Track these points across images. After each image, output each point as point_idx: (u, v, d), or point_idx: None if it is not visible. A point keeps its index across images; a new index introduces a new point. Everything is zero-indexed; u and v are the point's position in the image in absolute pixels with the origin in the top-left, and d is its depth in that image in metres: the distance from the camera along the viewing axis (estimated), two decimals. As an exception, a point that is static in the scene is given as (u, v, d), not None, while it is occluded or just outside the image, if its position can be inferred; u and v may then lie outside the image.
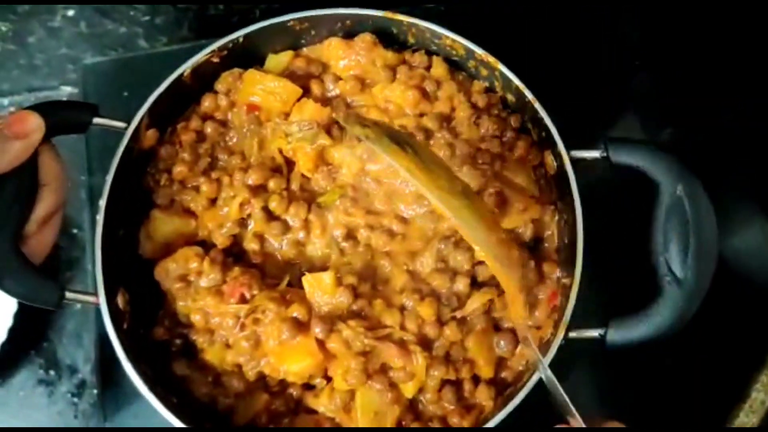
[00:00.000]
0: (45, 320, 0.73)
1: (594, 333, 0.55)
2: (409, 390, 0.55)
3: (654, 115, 0.77)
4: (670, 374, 0.69)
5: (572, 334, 0.55)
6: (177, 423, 0.52)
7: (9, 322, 0.69)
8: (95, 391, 0.70)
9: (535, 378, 0.53)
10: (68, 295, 0.53)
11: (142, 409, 0.66)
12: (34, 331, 0.72)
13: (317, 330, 0.53)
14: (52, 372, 0.72)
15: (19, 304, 0.69)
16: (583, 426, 0.45)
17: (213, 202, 0.60)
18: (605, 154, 0.57)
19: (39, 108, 0.52)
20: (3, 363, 0.70)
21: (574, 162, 0.58)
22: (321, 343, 0.54)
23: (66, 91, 0.81)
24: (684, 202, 0.53)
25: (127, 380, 0.53)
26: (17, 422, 0.71)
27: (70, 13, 0.82)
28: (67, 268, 0.75)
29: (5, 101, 0.81)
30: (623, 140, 0.58)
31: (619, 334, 0.54)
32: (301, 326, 0.54)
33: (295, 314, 0.54)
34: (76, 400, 0.72)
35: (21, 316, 0.69)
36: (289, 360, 0.54)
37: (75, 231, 0.76)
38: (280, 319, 0.54)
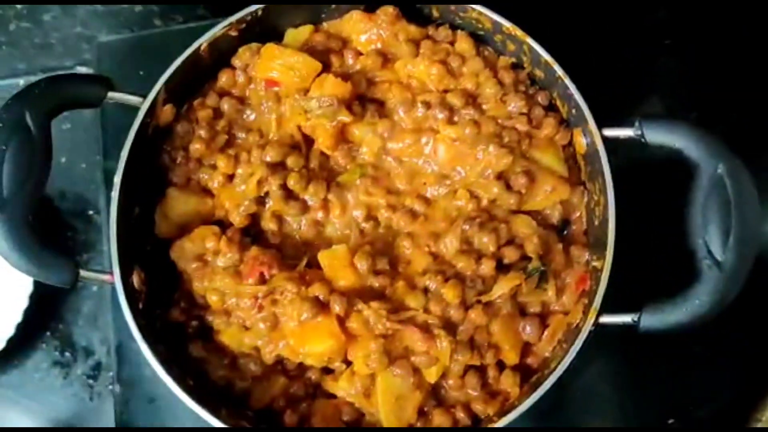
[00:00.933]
0: (61, 302, 0.73)
1: (627, 318, 0.52)
2: (432, 375, 0.53)
3: (680, 100, 0.74)
4: (698, 362, 0.67)
5: (603, 320, 0.53)
6: (192, 405, 0.51)
7: (24, 303, 0.68)
8: (111, 374, 0.69)
9: (563, 365, 0.51)
10: (83, 273, 0.52)
11: (158, 391, 0.66)
12: (50, 312, 0.72)
13: (336, 306, 0.52)
14: (67, 354, 0.72)
15: (35, 286, 0.68)
16: None
17: (230, 179, 0.58)
18: (639, 133, 0.55)
19: (51, 81, 0.50)
20: (18, 345, 0.70)
21: (605, 141, 0.56)
22: (342, 324, 0.52)
23: (81, 71, 0.79)
24: (725, 182, 0.50)
25: (143, 361, 0.52)
26: (32, 404, 0.70)
27: (86, -10, 0.81)
28: (83, 250, 0.74)
29: (20, 81, 0.79)
30: (659, 118, 0.55)
31: (653, 319, 0.51)
32: (322, 306, 0.53)
33: (316, 293, 0.53)
34: (91, 382, 0.71)
35: (37, 298, 0.69)
36: (309, 341, 0.52)
37: (91, 213, 0.75)
38: (300, 298, 0.52)
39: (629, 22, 0.77)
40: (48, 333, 0.72)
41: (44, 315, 0.71)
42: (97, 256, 0.73)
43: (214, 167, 0.59)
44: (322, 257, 0.55)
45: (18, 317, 0.68)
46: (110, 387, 0.69)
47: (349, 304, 0.52)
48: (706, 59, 0.76)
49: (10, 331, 0.68)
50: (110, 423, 0.67)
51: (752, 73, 0.75)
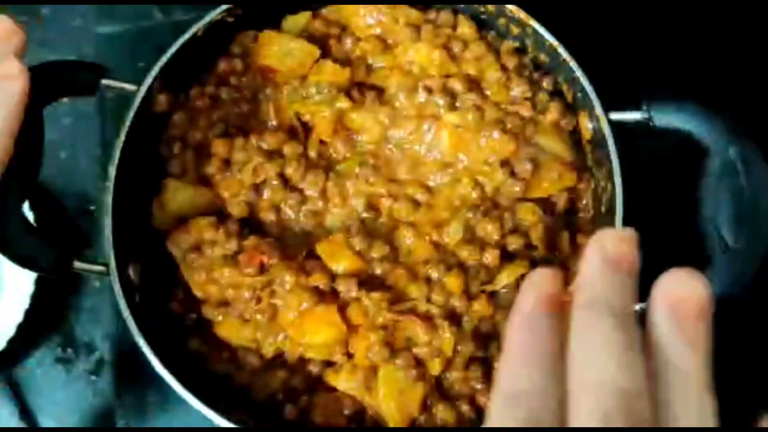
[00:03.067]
0: (63, 298, 0.72)
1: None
2: (435, 367, 0.52)
3: (690, 85, 0.73)
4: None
5: (611, 309, 0.51)
6: (190, 398, 0.50)
7: (26, 304, 0.67)
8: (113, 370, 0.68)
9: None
10: (76, 264, 0.51)
11: (158, 386, 0.65)
12: (51, 309, 0.71)
13: (341, 287, 0.51)
14: (69, 350, 0.71)
15: (36, 285, 0.68)
16: None
17: (227, 165, 0.57)
18: (648, 116, 0.53)
19: (41, 68, 0.49)
20: (20, 344, 0.69)
21: (612, 125, 0.54)
22: (343, 313, 0.51)
23: (80, 63, 0.79)
24: (737, 166, 0.48)
25: (143, 357, 0.51)
26: (34, 400, 0.70)
27: (84, -18, 0.80)
28: (85, 246, 0.73)
29: (21, 76, 0.79)
30: (667, 100, 0.53)
31: (664, 308, 0.49)
32: (322, 296, 0.51)
33: (316, 283, 0.52)
34: (94, 378, 0.70)
35: (39, 295, 0.68)
36: (310, 332, 0.51)
37: (93, 209, 0.74)
38: (299, 288, 0.51)
39: (637, 3, 0.75)
40: (50, 330, 0.71)
41: (46, 312, 0.70)
42: (98, 252, 0.72)
43: (211, 156, 0.58)
44: (320, 248, 0.54)
45: (19, 317, 0.67)
46: (113, 383, 0.68)
47: (353, 288, 0.51)
48: (717, 44, 0.74)
49: (11, 332, 0.67)
50: (113, 419, 0.67)
51: (765, 58, 0.73)
